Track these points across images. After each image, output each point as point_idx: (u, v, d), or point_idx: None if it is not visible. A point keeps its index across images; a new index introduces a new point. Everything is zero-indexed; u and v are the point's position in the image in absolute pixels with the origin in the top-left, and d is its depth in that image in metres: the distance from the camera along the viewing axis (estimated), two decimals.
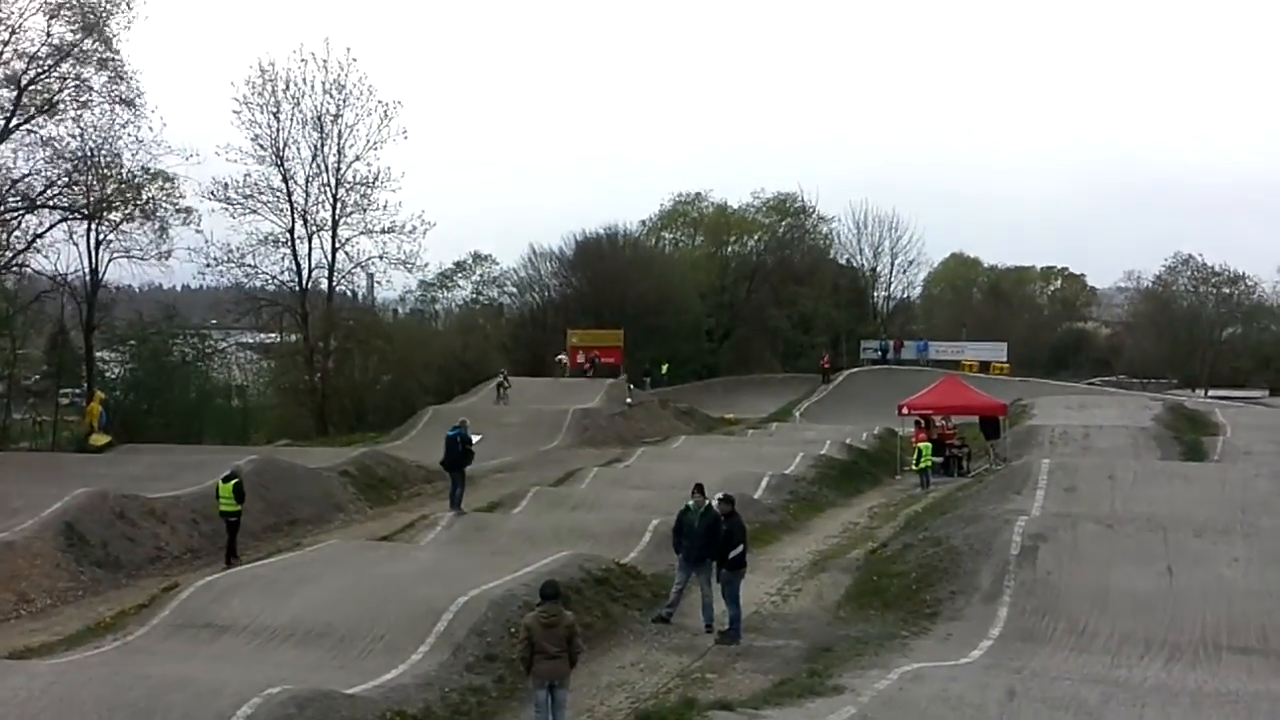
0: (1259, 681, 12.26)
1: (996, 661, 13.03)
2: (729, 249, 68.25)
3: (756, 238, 68.29)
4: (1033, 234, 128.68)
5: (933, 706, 10.87)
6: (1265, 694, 11.55)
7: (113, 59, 33.81)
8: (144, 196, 35.58)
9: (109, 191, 34.86)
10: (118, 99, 34.05)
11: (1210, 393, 57.52)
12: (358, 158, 44.22)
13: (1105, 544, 16.24)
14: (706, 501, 15.21)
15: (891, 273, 72.04)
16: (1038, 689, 11.36)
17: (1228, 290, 70.81)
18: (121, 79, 34.08)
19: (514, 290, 64.50)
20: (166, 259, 37.05)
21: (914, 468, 29.56)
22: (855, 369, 58.18)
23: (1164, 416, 36.85)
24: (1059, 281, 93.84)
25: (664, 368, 55.04)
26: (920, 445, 29.45)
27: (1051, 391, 48.58)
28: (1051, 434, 33.26)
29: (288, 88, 42.97)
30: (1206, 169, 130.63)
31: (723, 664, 13.59)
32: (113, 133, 34.37)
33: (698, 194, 69.78)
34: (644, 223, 69.36)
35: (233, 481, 19.82)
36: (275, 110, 43.08)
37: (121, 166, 35.01)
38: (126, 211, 35.26)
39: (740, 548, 14.53)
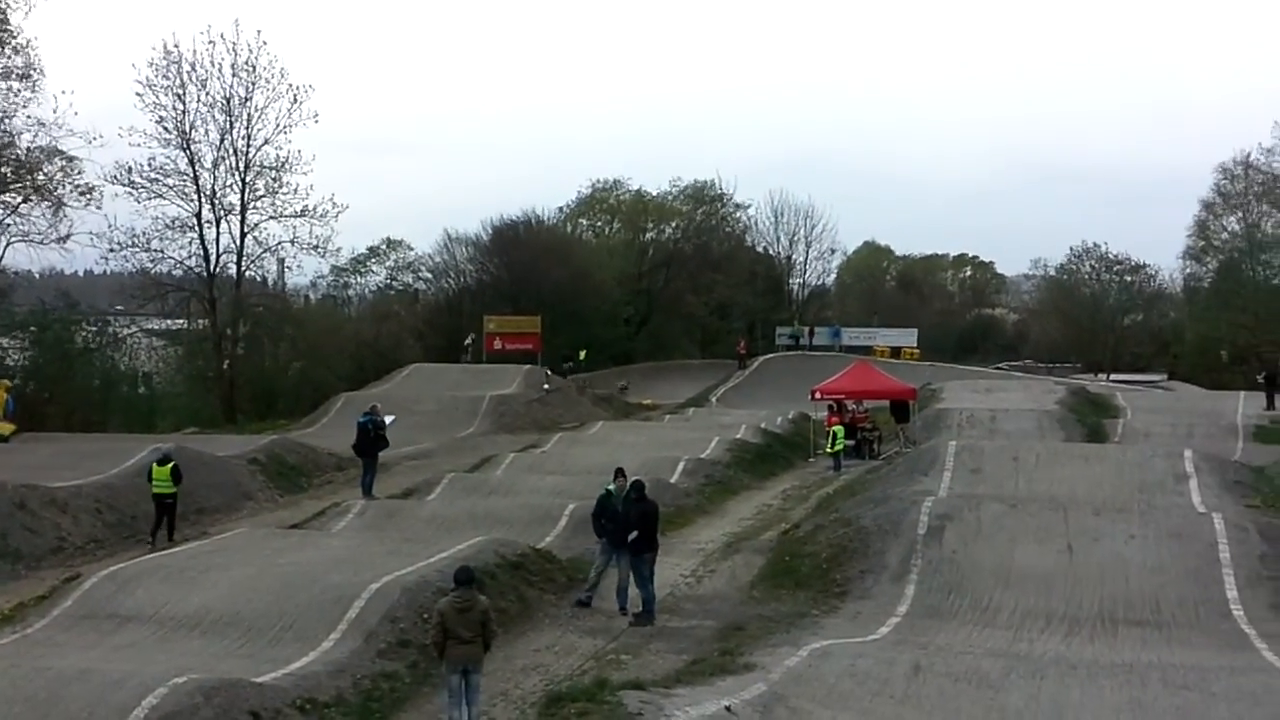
0: (1152, 652, 12.74)
1: (903, 638, 13.34)
2: (647, 236, 68.42)
3: (674, 225, 68.54)
4: (945, 223, 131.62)
5: (841, 682, 11.10)
6: (1157, 664, 12.00)
7: (4, 28, 32.55)
8: (41, 176, 34.37)
9: (3, 171, 33.63)
10: (13, 73, 32.82)
11: (1112, 377, 59.34)
12: (267, 141, 43.24)
13: (1009, 523, 16.72)
14: (629, 485, 15.32)
15: (807, 260, 72.99)
16: (942, 663, 11.66)
17: (1129, 278, 73.13)
18: (16, 51, 32.88)
19: (429, 276, 63.88)
20: (65, 242, 35.93)
21: (827, 451, 30.03)
22: (770, 355, 58.78)
23: (1068, 400, 37.92)
24: (969, 269, 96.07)
25: (582, 354, 55.02)
26: (833, 429, 29.94)
27: (960, 376, 49.64)
28: (960, 417, 33.99)
29: (194, 69, 41.92)
30: (1113, 160, 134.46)
31: (637, 645, 13.70)
32: (7, 109, 33.19)
33: (616, 181, 69.82)
34: (561, 209, 69.23)
35: (169, 464, 19.89)
36: (180, 93, 41.98)
37: (18, 146, 33.83)
38: (23, 193, 34.06)
39: (635, 532, 14.65)
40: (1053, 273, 76.87)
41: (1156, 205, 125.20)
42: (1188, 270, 68.46)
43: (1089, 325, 69.65)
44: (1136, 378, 58.95)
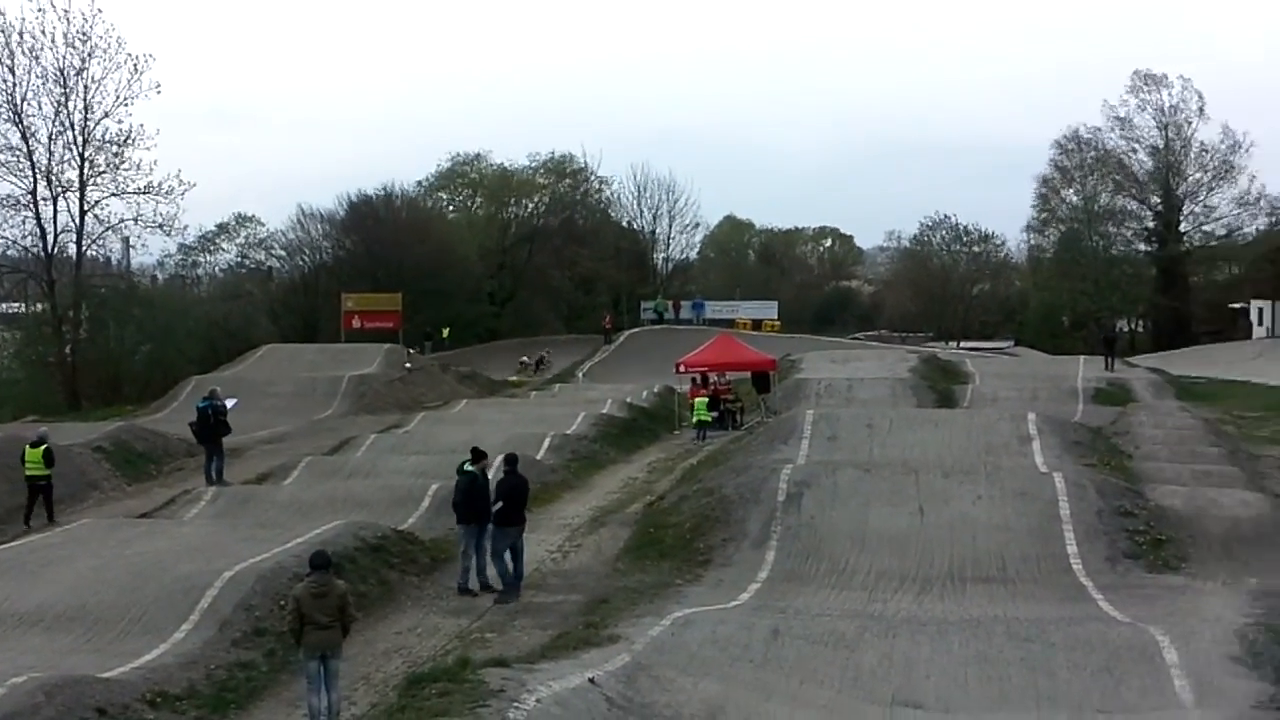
0: (998, 607, 13.30)
1: (764, 603, 13.62)
2: (510, 211, 67.82)
3: (537, 199, 68.13)
4: (805, 197, 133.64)
5: (703, 649, 11.27)
6: (1002, 618, 12.54)
7: None
8: None
9: None
10: None
11: (962, 344, 61.67)
12: (106, 114, 41.27)
13: (863, 487, 17.20)
14: (501, 458, 15.27)
15: (670, 235, 73.51)
16: (800, 626, 11.95)
17: (978, 249, 75.97)
18: None
19: (283, 254, 62.07)
20: None
21: (691, 422, 30.41)
22: (636, 329, 59.11)
23: (920, 368, 39.17)
24: (829, 241, 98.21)
25: (445, 331, 54.34)
26: (696, 401, 30.30)
27: (819, 347, 50.73)
28: (818, 387, 34.82)
29: (22, 39, 39.64)
30: (962, 134, 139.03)
31: (502, 623, 13.64)
32: None
33: (477, 155, 68.98)
34: (421, 183, 68.07)
35: (42, 446, 19.83)
36: (10, 64, 39.70)
37: None
38: None
39: (500, 504, 14.62)
40: (906, 245, 79.36)
41: (1003, 178, 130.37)
42: (1032, 241, 71.55)
43: (940, 295, 72.18)
44: (984, 345, 61.43)
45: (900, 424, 22.85)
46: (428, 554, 16.38)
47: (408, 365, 41.50)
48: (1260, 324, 59.13)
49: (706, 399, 30.55)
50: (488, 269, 63.25)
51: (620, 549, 17.07)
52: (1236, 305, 61.92)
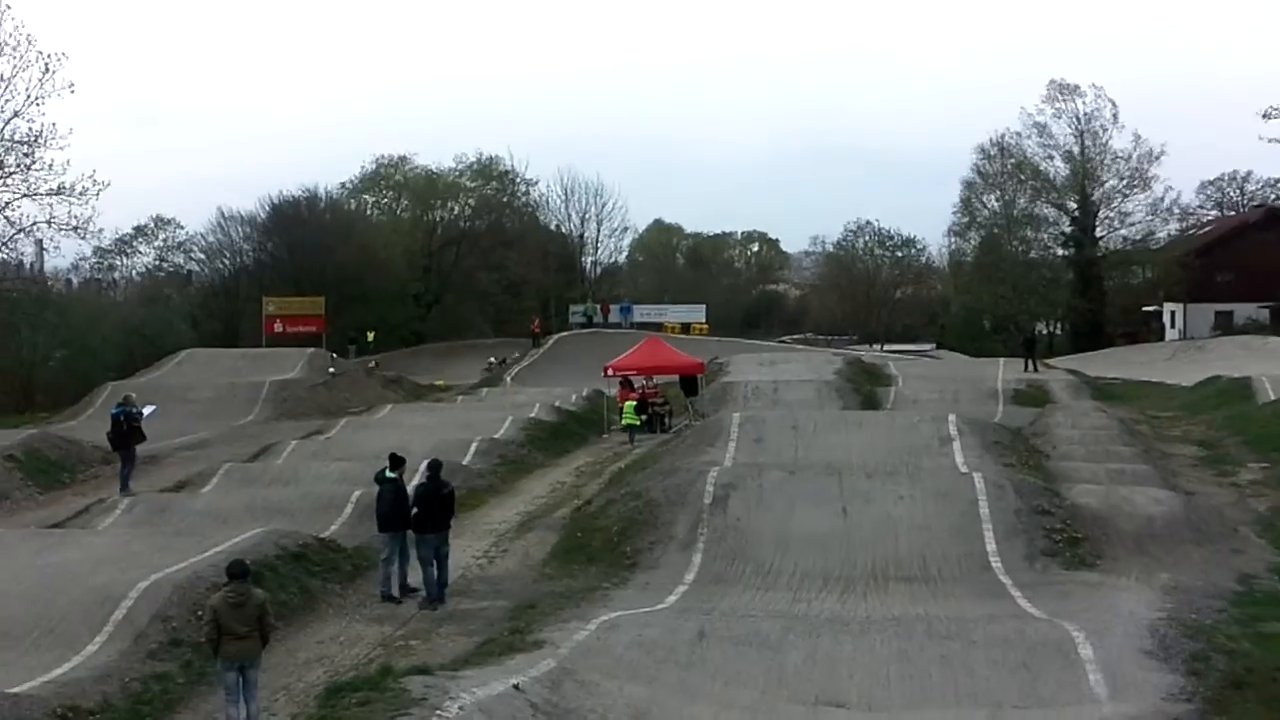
0: (919, 606, 13.48)
1: (689, 605, 13.65)
2: (436, 213, 67.29)
3: (463, 202, 67.70)
4: (733, 202, 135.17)
5: (628, 652, 11.26)
6: (923, 616, 12.72)
7: None
8: None
9: None
10: None
11: (886, 347, 62.59)
12: (16, 114, 40.07)
13: (789, 489, 17.32)
14: (425, 465, 15.10)
15: (598, 238, 73.54)
16: (725, 628, 12.00)
17: (901, 254, 77.27)
18: None
19: (202, 257, 60.93)
20: None
21: (620, 425, 30.45)
22: (564, 333, 59.01)
23: (845, 370, 39.66)
24: (757, 245, 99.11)
25: (370, 335, 53.72)
26: (625, 404, 30.37)
27: (746, 350, 51.13)
28: (745, 389, 35.08)
29: None
30: (886, 140, 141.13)
31: (426, 630, 13.50)
32: None
33: (402, 157, 68.37)
34: (345, 186, 67.25)
35: None
36: None
37: None
38: None
39: (415, 510, 14.48)
40: (831, 249, 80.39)
41: (926, 184, 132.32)
42: (953, 245, 72.91)
43: (864, 298, 73.24)
44: (908, 347, 62.44)
45: (825, 426, 23.12)
46: (350, 561, 16.15)
47: (331, 370, 40.92)
48: (1172, 326, 60.95)
49: (635, 402, 30.62)
50: (413, 272, 62.67)
51: (547, 554, 17.01)
52: (1150, 308, 63.73)
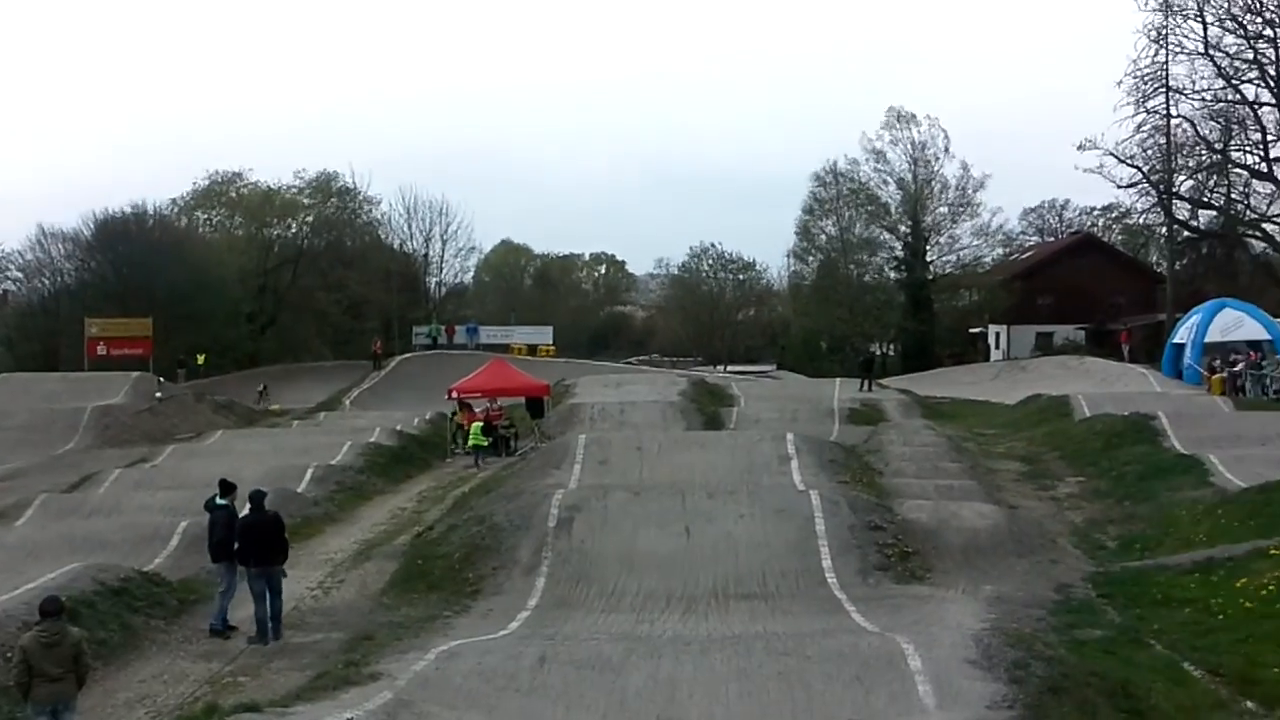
0: (759, 623, 13.69)
1: (532, 630, 13.52)
2: (272, 231, 65.25)
3: (301, 219, 65.88)
4: (580, 223, 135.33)
5: (468, 681, 11.06)
6: (762, 634, 12.91)
7: None
8: None
9: None
10: None
11: (729, 368, 63.67)
12: None
13: (633, 510, 17.41)
14: (249, 495, 14.52)
15: (443, 258, 72.55)
16: (567, 652, 11.92)
17: (743, 276, 78.85)
18: None
19: (19, 276, 57.54)
20: None
21: (464, 449, 30.08)
22: (407, 354, 57.99)
23: (689, 391, 40.21)
24: (604, 267, 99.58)
25: (200, 358, 51.65)
26: (472, 426, 30.13)
27: (593, 371, 51.32)
28: (591, 411, 35.18)
29: None
30: (729, 164, 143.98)
31: (256, 665, 12.98)
32: None
33: (236, 173, 66.07)
34: (175, 202, 64.57)
35: None
36: None
37: None
38: None
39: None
40: (675, 271, 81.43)
41: (766, 207, 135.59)
42: (793, 268, 74.85)
43: (708, 320, 74.38)
44: (749, 368, 63.68)
45: (669, 446, 23.36)
46: (176, 596, 15.43)
47: (158, 395, 39.15)
48: (997, 347, 63.97)
49: (481, 424, 30.35)
50: (248, 292, 60.58)
51: (386, 583, 16.60)
52: (976, 330, 66.75)
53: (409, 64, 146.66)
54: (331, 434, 32.82)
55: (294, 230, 65.55)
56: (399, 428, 33.62)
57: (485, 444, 29.75)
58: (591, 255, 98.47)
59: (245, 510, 14.39)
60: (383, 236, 70.74)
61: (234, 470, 20.28)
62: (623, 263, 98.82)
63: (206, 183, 65.35)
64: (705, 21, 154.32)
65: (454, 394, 33.18)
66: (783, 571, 15.46)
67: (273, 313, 62.86)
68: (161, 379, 42.05)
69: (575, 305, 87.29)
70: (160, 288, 51.40)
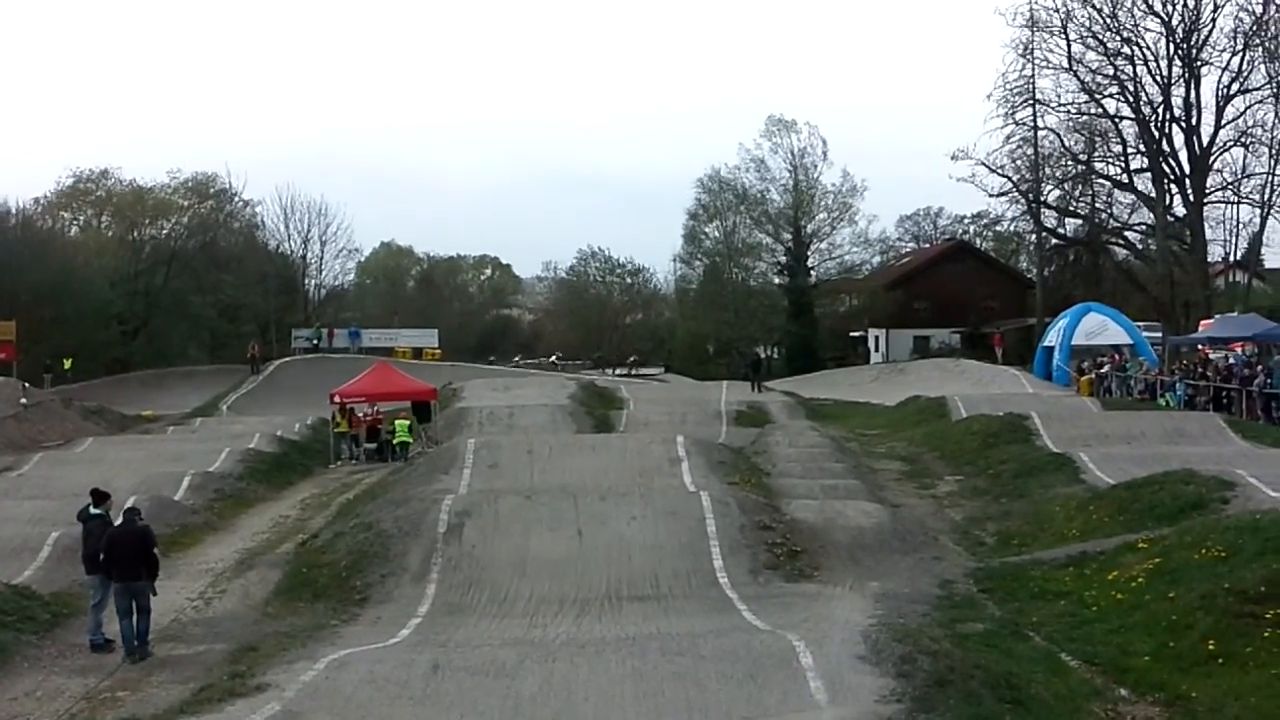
0: (652, 624, 13.74)
1: (424, 637, 13.33)
2: (144, 232, 63.02)
3: (174, 220, 63.76)
4: (465, 225, 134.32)
5: (359, 690, 10.86)
6: (656, 634, 12.97)
7: None
8: None
9: None
10: None
11: (618, 371, 63.86)
12: None
13: (524, 514, 17.32)
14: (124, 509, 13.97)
15: (322, 260, 71.08)
16: (460, 658, 11.79)
17: (631, 280, 79.19)
18: None
19: None
20: None
21: (396, 442, 30.50)
22: (287, 358, 56.63)
23: (578, 394, 40.24)
24: (490, 270, 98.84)
25: (67, 363, 49.53)
26: (398, 423, 30.61)
27: (480, 375, 50.92)
28: (480, 415, 34.95)
29: None
30: (617, 169, 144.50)
31: (136, 679, 12.47)
32: None
33: (104, 171, 63.64)
34: (39, 200, 61.87)
35: None
36: None
37: None
38: None
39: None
40: (563, 275, 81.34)
41: (653, 212, 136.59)
42: (680, 272, 75.51)
43: (596, 324, 74.47)
44: (638, 371, 63.92)
45: (559, 450, 23.31)
46: (48, 610, 14.73)
47: (23, 401, 37.43)
48: (877, 350, 65.64)
49: (408, 422, 30.67)
50: (118, 294, 58.38)
51: (270, 592, 16.15)
52: (856, 333, 68.36)
53: (286, 62, 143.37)
54: (209, 440, 31.88)
55: (167, 231, 63.42)
56: (280, 433, 32.85)
57: (410, 440, 29.52)
58: (477, 258, 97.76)
59: (119, 520, 13.85)
60: (259, 238, 69.05)
61: (107, 479, 19.51)
62: (509, 266, 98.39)
63: (71, 181, 62.83)
64: (593, 23, 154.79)
65: (337, 399, 32.55)
66: (675, 572, 15.56)
67: (144, 316, 60.72)
68: (26, 384, 40.18)
69: (461, 308, 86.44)
70: (23, 290, 49.15)
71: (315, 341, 58.91)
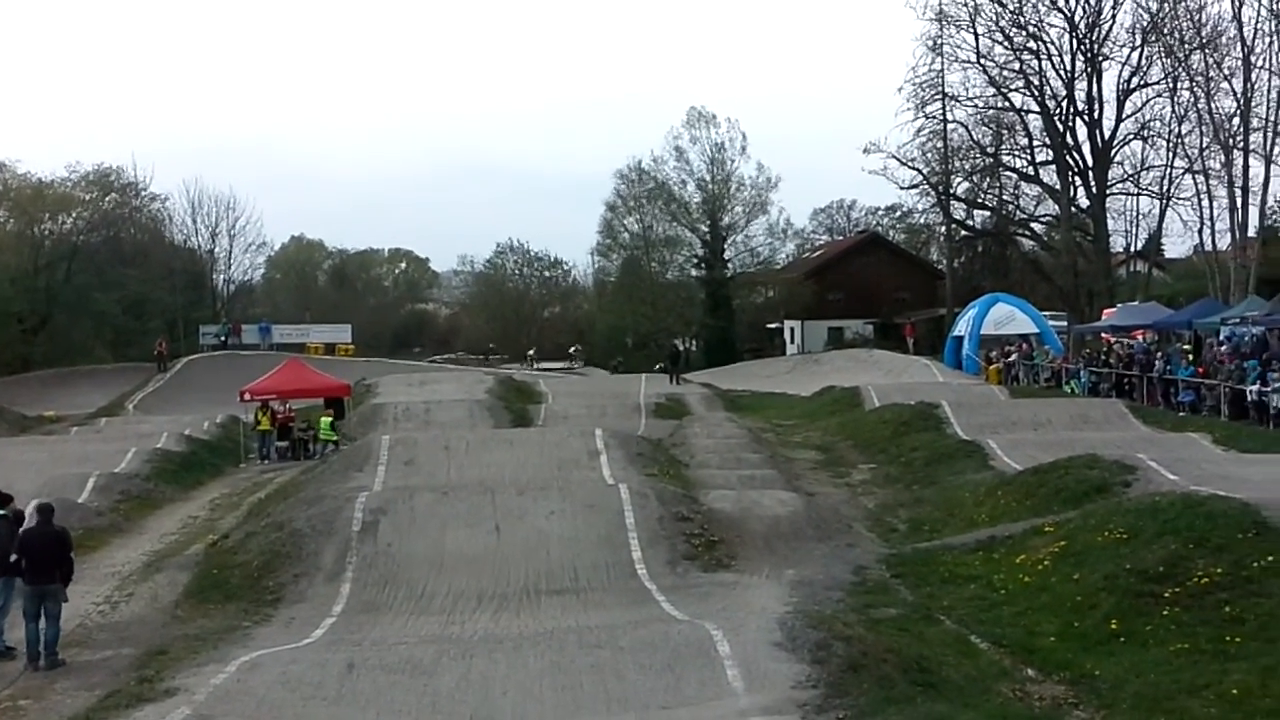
0: (571, 617, 13.75)
1: (339, 637, 13.16)
2: (44, 227, 61.01)
3: (76, 215, 61.85)
4: (378, 219, 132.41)
5: (272, 692, 10.67)
6: (575, 627, 12.98)
7: None
8: None
9: None
10: None
11: (536, 365, 63.65)
12: None
13: (441, 510, 17.17)
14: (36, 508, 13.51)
15: (231, 255, 69.60)
16: (376, 657, 11.66)
17: (549, 273, 79.00)
18: None
19: None
20: None
21: (319, 440, 30.27)
22: (195, 356, 55.37)
23: (496, 389, 40.02)
24: (404, 264, 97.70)
25: None
26: (322, 420, 30.59)
27: (396, 370, 50.34)
28: (395, 411, 34.57)
29: None
30: (533, 160, 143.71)
31: (39, 687, 12.08)
32: None
33: (0, 164, 61.47)
34: None
35: None
36: None
37: None
38: None
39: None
40: (480, 268, 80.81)
41: (572, 205, 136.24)
42: (598, 265, 75.54)
43: (514, 317, 74.15)
44: (557, 365, 63.82)
45: (477, 445, 23.16)
46: None
47: None
48: (792, 342, 66.40)
49: (330, 419, 30.45)
50: (17, 291, 56.48)
51: (180, 594, 15.78)
52: (773, 325, 69.07)
53: (191, 53, 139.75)
54: (114, 440, 31.01)
55: (68, 226, 61.52)
56: (188, 432, 32.13)
57: (335, 438, 29.31)
58: (391, 251, 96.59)
59: (32, 521, 13.40)
60: (166, 233, 67.39)
61: (8, 481, 18.74)
62: (424, 259, 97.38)
63: None
64: (508, 12, 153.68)
65: (247, 396, 31.94)
66: (594, 565, 15.57)
67: (46, 313, 58.86)
68: None
69: (375, 303, 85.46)
70: None
71: (224, 338, 57.70)
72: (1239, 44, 43.14)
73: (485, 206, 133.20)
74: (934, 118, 57.44)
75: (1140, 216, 57.42)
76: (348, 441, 29.84)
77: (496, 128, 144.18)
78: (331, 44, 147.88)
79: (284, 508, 18.72)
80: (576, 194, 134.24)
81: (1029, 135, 56.98)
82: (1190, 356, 32.42)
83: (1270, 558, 12.72)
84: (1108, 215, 54.72)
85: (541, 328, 75.37)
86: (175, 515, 22.90)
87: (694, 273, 68.85)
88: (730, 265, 67.80)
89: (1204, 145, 46.18)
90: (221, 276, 70.15)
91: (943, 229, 63.07)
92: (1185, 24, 46.95)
